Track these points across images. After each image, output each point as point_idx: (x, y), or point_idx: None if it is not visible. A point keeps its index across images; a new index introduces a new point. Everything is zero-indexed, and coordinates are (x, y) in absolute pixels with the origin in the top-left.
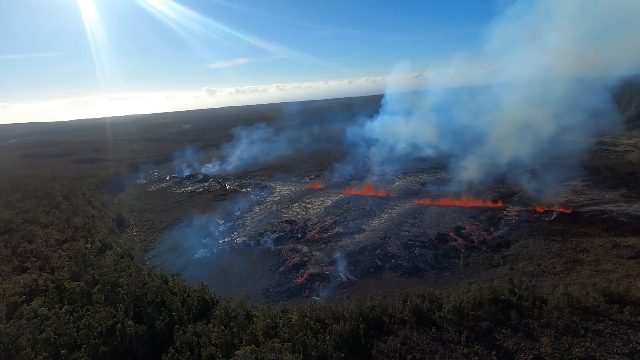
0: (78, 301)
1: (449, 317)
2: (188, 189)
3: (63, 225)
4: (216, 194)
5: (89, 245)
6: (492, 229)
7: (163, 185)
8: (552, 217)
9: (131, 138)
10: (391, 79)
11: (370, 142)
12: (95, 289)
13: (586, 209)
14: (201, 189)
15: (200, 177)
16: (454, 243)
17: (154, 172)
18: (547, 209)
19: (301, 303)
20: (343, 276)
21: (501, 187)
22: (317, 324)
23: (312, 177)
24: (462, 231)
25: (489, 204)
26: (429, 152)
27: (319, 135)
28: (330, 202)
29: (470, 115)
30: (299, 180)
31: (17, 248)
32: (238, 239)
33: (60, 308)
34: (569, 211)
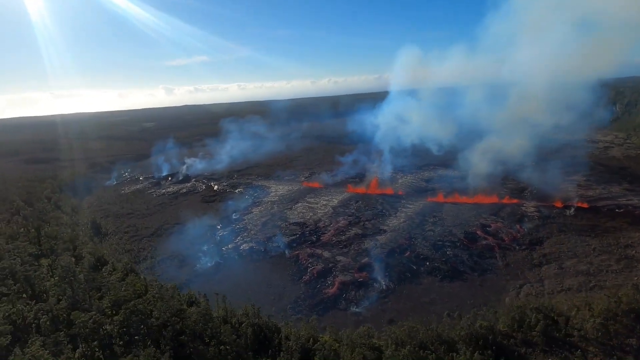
0: (88, 339)
1: (590, 336)
2: (169, 190)
3: (34, 235)
4: (204, 195)
5: (72, 259)
6: (518, 226)
7: (138, 186)
8: (572, 212)
9: (86, 137)
10: (395, 72)
11: (367, 139)
12: (115, 320)
13: (601, 203)
14: (185, 190)
15: (181, 177)
16: (484, 242)
17: (125, 173)
18: (565, 204)
19: (339, 317)
20: (382, 281)
21: (508, 182)
22: (432, 355)
23: (307, 175)
24: (488, 229)
25: (506, 200)
26: (428, 148)
27: (307, 132)
28: (336, 201)
29: (469, 112)
30: (294, 179)
31: None
32: (244, 245)
33: (72, 351)
34: (586, 206)
